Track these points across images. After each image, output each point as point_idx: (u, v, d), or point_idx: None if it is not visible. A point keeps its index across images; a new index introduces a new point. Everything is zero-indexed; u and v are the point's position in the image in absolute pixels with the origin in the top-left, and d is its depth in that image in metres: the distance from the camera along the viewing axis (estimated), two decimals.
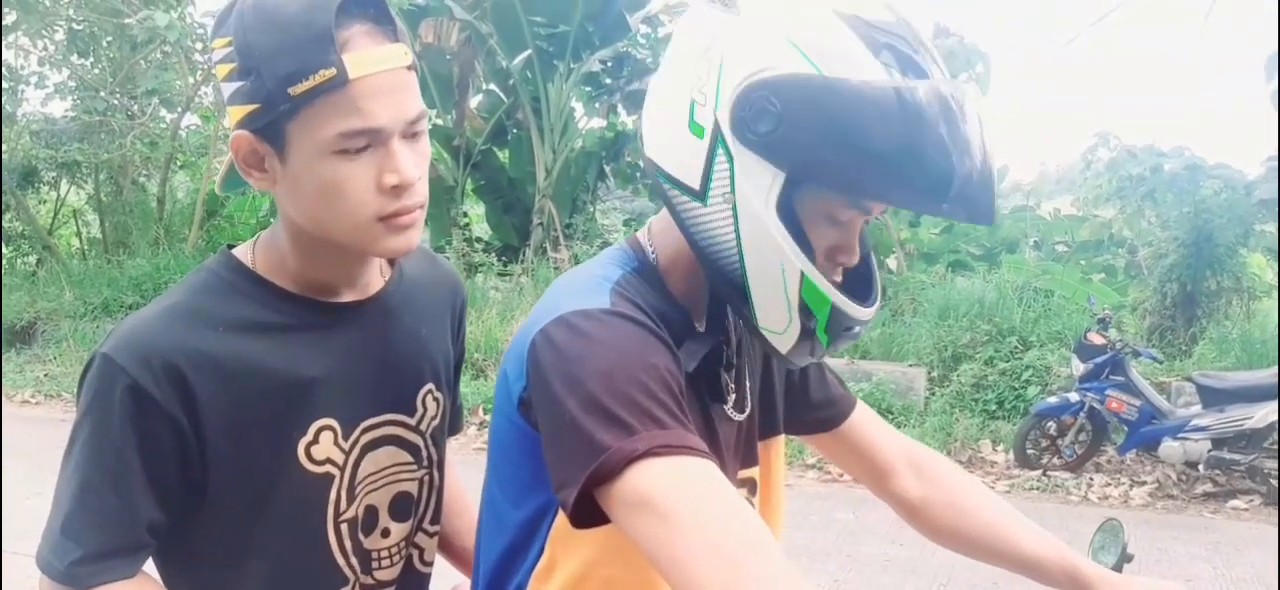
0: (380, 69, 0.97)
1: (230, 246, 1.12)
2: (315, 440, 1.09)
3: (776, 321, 0.98)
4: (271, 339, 1.07)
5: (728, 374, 1.10)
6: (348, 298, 1.12)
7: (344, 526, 1.12)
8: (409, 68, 1.01)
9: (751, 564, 0.79)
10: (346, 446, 1.11)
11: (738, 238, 0.95)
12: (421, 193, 1.03)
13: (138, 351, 1.00)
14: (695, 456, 0.85)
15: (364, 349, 1.12)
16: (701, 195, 0.95)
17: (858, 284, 1.05)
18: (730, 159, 0.93)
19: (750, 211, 0.93)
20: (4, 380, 9.04)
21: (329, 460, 1.10)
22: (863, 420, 1.30)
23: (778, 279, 0.95)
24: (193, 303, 1.06)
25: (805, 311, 0.97)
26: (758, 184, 0.93)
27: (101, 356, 1.01)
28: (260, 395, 1.05)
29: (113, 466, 1.00)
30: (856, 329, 1.00)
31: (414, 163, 1.02)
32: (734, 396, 1.10)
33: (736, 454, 1.12)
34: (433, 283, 1.25)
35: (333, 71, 0.94)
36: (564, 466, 0.88)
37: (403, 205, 1.02)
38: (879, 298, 1.06)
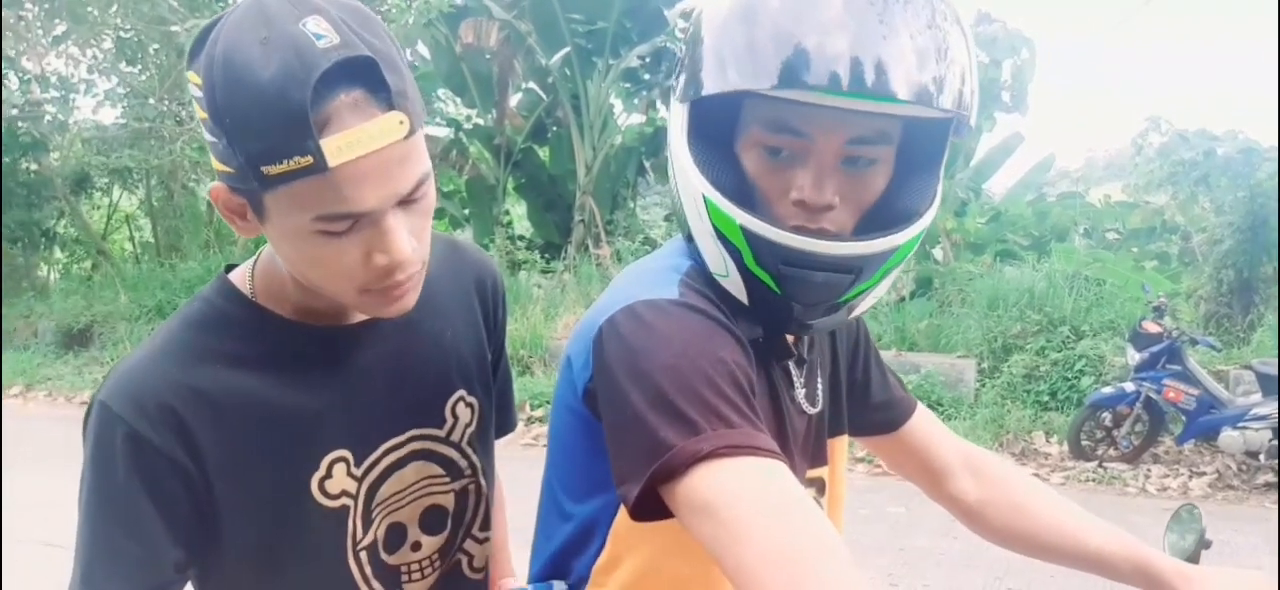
0: (366, 151, 0.84)
1: (228, 268, 1.05)
2: (329, 474, 1.02)
3: (717, 262, 0.95)
4: (271, 372, 0.99)
5: (799, 369, 1.07)
6: (357, 318, 1.03)
7: (363, 554, 1.07)
8: (407, 136, 0.87)
9: (818, 573, 0.75)
10: (360, 474, 1.05)
11: (675, 185, 0.98)
12: (420, 255, 0.94)
13: (132, 396, 0.94)
14: (763, 457, 0.82)
15: (378, 369, 1.05)
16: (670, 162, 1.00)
17: (865, 230, 0.95)
18: (671, 118, 0.98)
19: (674, 153, 0.96)
20: (63, 382, 9.28)
21: (343, 492, 1.04)
22: (922, 422, 1.27)
23: (699, 213, 0.94)
24: (186, 338, 0.99)
25: (726, 243, 0.92)
26: (677, 126, 0.96)
27: (98, 404, 0.95)
28: (263, 433, 0.98)
29: (125, 514, 0.94)
30: (809, 271, 0.91)
31: (411, 230, 0.91)
32: (805, 389, 1.07)
33: (805, 451, 1.08)
34: (455, 275, 1.16)
35: (309, 159, 0.82)
36: (626, 462, 0.86)
37: (393, 282, 0.92)
38: (884, 238, 0.93)
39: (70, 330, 10.35)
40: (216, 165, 0.89)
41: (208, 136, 0.87)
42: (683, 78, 0.96)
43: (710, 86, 0.91)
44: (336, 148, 0.82)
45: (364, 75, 0.84)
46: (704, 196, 0.92)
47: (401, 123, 0.86)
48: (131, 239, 13.70)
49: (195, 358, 0.97)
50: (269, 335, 1.00)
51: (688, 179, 0.94)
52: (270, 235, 0.93)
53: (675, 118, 0.97)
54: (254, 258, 1.04)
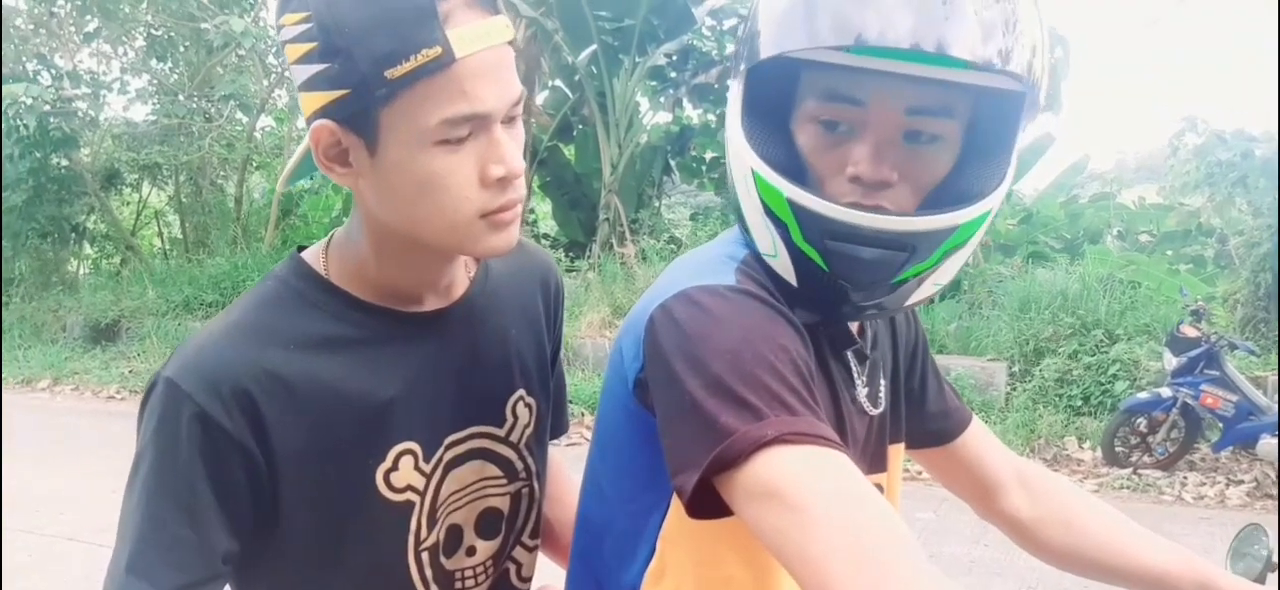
0: (486, 45, 0.86)
1: (300, 248, 1.02)
2: (394, 466, 0.99)
3: (765, 242, 0.90)
4: (347, 356, 0.96)
5: (861, 366, 1.02)
6: (430, 305, 1.02)
7: (424, 554, 1.03)
8: (510, 42, 0.90)
9: (893, 564, 0.69)
10: (428, 469, 1.01)
11: (730, 167, 0.94)
12: (523, 185, 0.94)
13: (204, 376, 0.90)
14: (828, 447, 0.77)
15: (447, 361, 1.02)
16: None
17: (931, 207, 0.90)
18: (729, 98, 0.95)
19: (728, 131, 0.92)
20: (91, 376, 9.36)
21: (409, 487, 1.00)
22: (976, 435, 1.21)
23: (748, 187, 0.89)
24: (262, 319, 0.96)
25: (773, 218, 0.87)
26: (734, 101, 0.92)
27: (165, 380, 0.90)
28: (335, 420, 0.95)
29: (183, 498, 0.90)
30: (858, 247, 0.85)
31: (517, 151, 0.91)
32: (867, 388, 1.02)
33: (865, 454, 1.03)
34: (521, 273, 1.14)
35: (438, 50, 0.83)
36: (683, 450, 0.80)
37: (507, 199, 0.91)
38: (940, 215, 0.87)
39: (98, 324, 10.45)
40: (321, 101, 0.87)
41: (314, 68, 0.86)
42: (740, 52, 0.92)
43: (762, 53, 0.87)
44: (460, 38, 0.84)
45: None
46: (752, 170, 0.87)
47: (507, 26, 0.89)
48: (160, 234, 13.83)
49: (270, 339, 0.94)
50: (344, 316, 0.98)
51: (739, 156, 0.90)
52: (377, 173, 0.90)
53: (733, 95, 0.93)
54: (326, 238, 1.02)
